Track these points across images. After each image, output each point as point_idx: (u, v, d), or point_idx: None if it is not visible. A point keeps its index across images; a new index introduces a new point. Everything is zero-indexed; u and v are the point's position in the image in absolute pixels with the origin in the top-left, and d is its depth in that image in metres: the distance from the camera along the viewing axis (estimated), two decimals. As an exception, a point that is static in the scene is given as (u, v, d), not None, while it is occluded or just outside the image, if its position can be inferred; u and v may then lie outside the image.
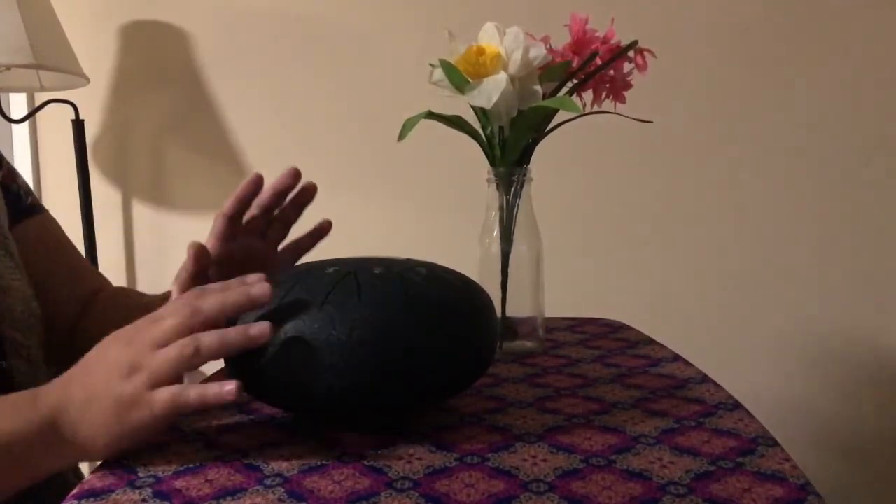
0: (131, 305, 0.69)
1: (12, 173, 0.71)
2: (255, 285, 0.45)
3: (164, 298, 0.67)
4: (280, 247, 0.68)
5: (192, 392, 0.42)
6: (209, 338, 0.43)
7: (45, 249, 0.71)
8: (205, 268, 0.59)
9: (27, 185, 0.73)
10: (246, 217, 0.64)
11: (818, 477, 1.41)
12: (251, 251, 0.64)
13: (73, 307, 0.71)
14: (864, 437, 1.42)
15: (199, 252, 0.58)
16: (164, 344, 0.43)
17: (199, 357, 0.43)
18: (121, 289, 0.77)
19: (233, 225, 0.62)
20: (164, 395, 0.42)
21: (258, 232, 0.65)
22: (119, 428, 0.42)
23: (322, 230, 0.68)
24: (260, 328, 0.43)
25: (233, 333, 0.43)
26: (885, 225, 1.38)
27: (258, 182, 0.62)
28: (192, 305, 0.44)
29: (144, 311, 0.66)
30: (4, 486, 0.44)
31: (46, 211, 0.74)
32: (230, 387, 0.42)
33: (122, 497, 0.39)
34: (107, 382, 0.43)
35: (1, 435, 0.42)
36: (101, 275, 0.78)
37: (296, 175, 0.64)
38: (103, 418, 0.42)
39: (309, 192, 0.67)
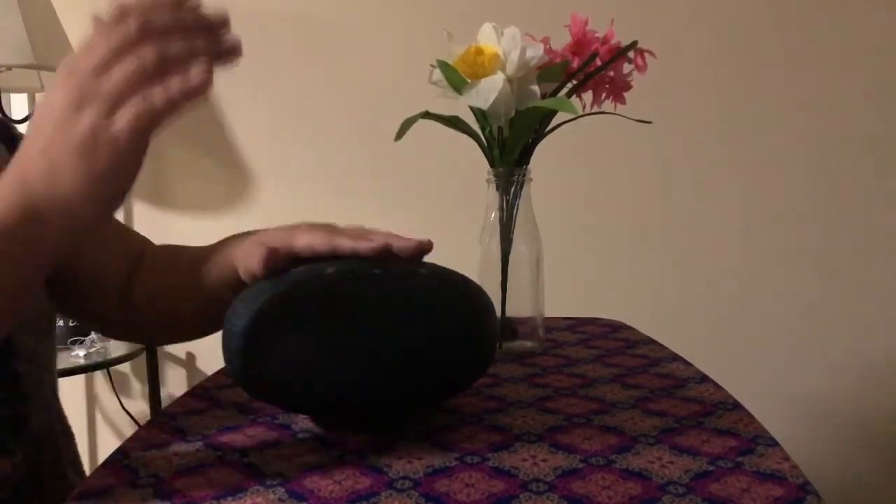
0: (180, 257, 0.66)
1: None
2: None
3: (214, 248, 0.61)
4: None
5: (155, 97, 0.36)
6: (172, 43, 0.36)
7: None
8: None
9: None
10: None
11: (823, 472, 1.41)
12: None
13: (121, 269, 0.68)
14: (870, 429, 1.42)
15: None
16: (107, 65, 0.36)
17: (162, 63, 0.36)
18: (166, 246, 0.73)
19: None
20: (125, 116, 0.36)
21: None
22: (93, 175, 0.37)
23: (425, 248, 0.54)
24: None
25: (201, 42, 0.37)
26: (887, 224, 1.38)
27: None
28: (134, 19, 0.37)
29: (194, 262, 0.62)
30: (12, 282, 0.40)
31: None
32: (197, 71, 0.36)
33: (122, 497, 0.39)
34: (60, 132, 0.37)
35: None
36: (142, 236, 0.74)
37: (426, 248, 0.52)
38: (72, 173, 0.37)
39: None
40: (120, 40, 0.36)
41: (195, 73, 0.36)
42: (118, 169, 0.37)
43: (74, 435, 0.69)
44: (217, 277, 0.59)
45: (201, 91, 0.36)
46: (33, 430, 0.59)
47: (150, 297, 0.66)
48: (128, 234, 0.73)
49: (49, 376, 0.64)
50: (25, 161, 0.39)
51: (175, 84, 0.36)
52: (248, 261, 0.51)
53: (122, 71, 0.36)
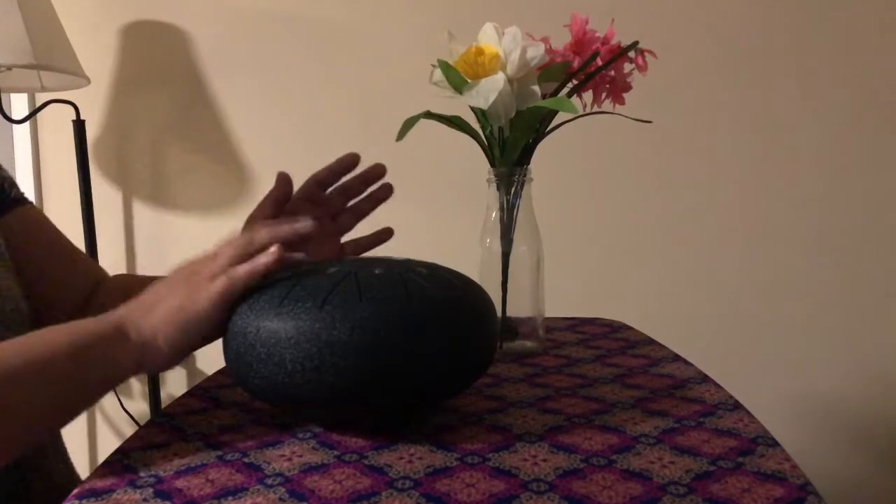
0: (135, 284, 0.69)
1: None
2: (301, 222, 0.52)
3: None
4: (343, 239, 0.71)
5: (240, 269, 0.49)
6: (244, 266, 0.50)
7: (36, 241, 0.70)
8: (286, 196, 0.65)
9: (11, 178, 0.72)
10: (328, 193, 0.69)
11: (825, 471, 1.41)
12: (319, 227, 0.66)
13: (74, 296, 0.71)
14: (868, 430, 1.42)
15: (284, 178, 0.64)
16: (215, 255, 0.51)
17: (247, 267, 0.49)
18: (122, 275, 0.77)
19: (319, 190, 0.67)
20: (218, 280, 0.48)
21: (331, 212, 0.69)
22: (180, 320, 0.48)
23: (384, 235, 0.72)
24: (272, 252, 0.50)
25: (262, 258, 0.50)
26: (885, 224, 1.38)
27: (354, 160, 0.68)
28: (248, 237, 0.51)
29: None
30: (84, 390, 0.47)
31: (32, 203, 0.73)
32: (271, 252, 0.49)
33: (122, 497, 0.39)
34: (165, 291, 0.49)
35: (75, 340, 0.47)
36: (99, 266, 0.77)
37: (383, 170, 0.70)
38: (165, 314, 0.48)
39: (387, 191, 0.71)
40: (235, 257, 0.50)
41: (269, 253, 0.49)
42: (201, 319, 0.48)
43: (60, 431, 0.69)
44: None
45: (273, 262, 0.49)
46: None
47: None
48: (83, 264, 0.75)
49: None
50: (133, 303, 0.50)
51: (257, 261, 0.49)
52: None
53: (225, 255, 0.50)
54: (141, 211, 1.55)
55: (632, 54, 0.67)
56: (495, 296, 0.68)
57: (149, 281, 0.70)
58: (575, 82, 0.67)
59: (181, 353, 0.49)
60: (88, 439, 1.66)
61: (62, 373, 0.45)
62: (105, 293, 0.71)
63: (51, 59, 1.23)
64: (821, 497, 0.37)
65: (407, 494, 0.38)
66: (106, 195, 1.54)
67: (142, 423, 1.55)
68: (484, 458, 0.43)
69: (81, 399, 0.48)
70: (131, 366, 0.48)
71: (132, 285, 0.69)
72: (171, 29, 1.51)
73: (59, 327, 0.47)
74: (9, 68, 1.28)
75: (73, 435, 1.63)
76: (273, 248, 0.49)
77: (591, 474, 0.41)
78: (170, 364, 0.49)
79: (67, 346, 0.46)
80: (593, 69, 0.66)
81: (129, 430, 1.63)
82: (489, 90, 0.60)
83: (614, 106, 0.69)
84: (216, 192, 1.54)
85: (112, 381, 0.48)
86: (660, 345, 0.73)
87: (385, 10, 1.46)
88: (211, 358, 1.60)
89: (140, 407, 1.62)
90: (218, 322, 0.48)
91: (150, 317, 0.48)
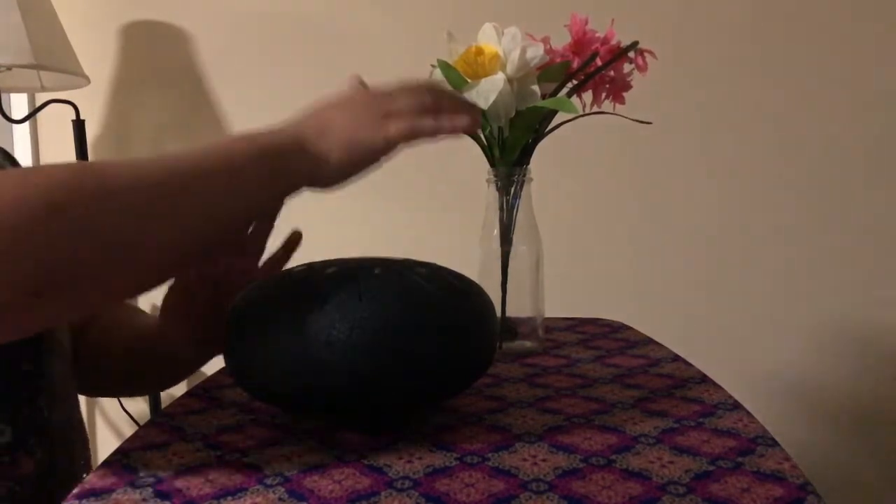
0: (132, 327, 0.69)
1: None
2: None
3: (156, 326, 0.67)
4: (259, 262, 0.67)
5: (429, 122, 0.48)
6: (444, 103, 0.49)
7: None
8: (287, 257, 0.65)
9: None
10: None
11: (825, 471, 1.41)
12: (232, 268, 0.64)
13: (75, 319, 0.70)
14: (869, 431, 1.42)
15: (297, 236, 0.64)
16: (396, 95, 0.49)
17: (434, 108, 0.49)
18: (124, 306, 0.75)
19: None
20: (400, 121, 0.48)
21: (237, 249, 0.65)
22: (349, 148, 0.47)
23: (293, 242, 0.67)
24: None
25: (456, 120, 0.49)
26: (884, 225, 1.38)
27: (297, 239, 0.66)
28: (431, 92, 0.50)
29: (140, 339, 0.66)
30: (256, 201, 0.46)
31: None
32: (465, 118, 0.49)
33: (122, 497, 0.39)
34: (342, 113, 0.48)
35: (253, 151, 0.46)
36: None
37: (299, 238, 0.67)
38: (339, 138, 0.47)
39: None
40: (415, 104, 0.49)
41: (464, 117, 0.49)
42: (367, 154, 0.48)
43: (88, 440, 0.69)
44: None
45: (460, 131, 0.49)
46: (53, 429, 0.59)
47: (98, 356, 0.68)
48: None
49: (74, 380, 0.64)
50: (302, 119, 0.49)
51: (444, 120, 0.49)
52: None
53: (407, 99, 0.49)
54: (141, 211, 1.55)
55: (632, 54, 0.67)
56: (495, 296, 0.68)
57: (137, 339, 0.68)
58: (575, 82, 0.67)
59: (347, 177, 0.49)
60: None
61: (240, 183, 0.44)
62: (102, 326, 0.71)
63: (50, 58, 1.23)
64: (820, 497, 0.37)
65: (406, 494, 0.38)
66: (106, 195, 1.54)
67: (142, 423, 1.55)
68: (483, 458, 0.43)
69: (248, 212, 0.47)
70: (304, 179, 0.48)
71: (129, 330, 0.69)
72: (171, 29, 1.51)
73: (236, 138, 0.46)
74: (9, 68, 1.28)
75: (73, 435, 1.63)
76: (468, 117, 0.48)
77: (590, 474, 0.41)
78: (334, 185, 0.49)
79: (246, 157, 0.45)
80: (593, 69, 0.66)
81: (128, 430, 1.63)
82: (489, 90, 0.60)
83: (614, 106, 0.69)
84: (216, 192, 1.53)
85: (283, 191, 0.48)
86: (660, 345, 0.73)
87: (385, 11, 1.46)
88: (211, 358, 1.60)
89: (140, 407, 1.62)
90: (379, 159, 0.48)
91: (325, 137, 0.48)
